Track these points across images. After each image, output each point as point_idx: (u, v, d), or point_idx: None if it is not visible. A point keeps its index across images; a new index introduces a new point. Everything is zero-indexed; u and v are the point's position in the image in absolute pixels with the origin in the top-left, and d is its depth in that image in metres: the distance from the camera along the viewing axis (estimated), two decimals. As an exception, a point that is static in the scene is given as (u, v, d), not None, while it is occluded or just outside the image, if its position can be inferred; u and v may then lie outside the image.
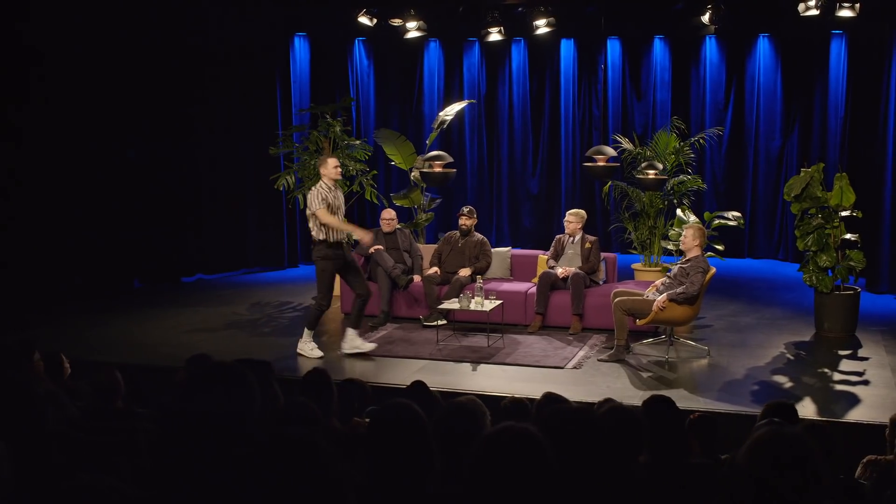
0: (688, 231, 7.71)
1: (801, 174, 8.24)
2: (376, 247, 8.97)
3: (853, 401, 6.57)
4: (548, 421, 2.71)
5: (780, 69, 11.83)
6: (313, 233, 7.61)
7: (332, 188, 7.63)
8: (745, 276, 11.24)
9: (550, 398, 3.83)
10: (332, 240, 7.55)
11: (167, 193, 10.87)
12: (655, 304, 7.39)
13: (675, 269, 7.71)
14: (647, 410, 3.61)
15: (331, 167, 7.64)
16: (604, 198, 10.20)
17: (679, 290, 7.41)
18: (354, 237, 8.38)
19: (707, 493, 2.67)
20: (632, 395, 6.60)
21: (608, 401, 3.48)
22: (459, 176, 11.68)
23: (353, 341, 7.75)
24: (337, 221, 7.56)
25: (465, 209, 9.27)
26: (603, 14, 10.78)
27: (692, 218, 9.14)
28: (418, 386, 4.07)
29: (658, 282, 7.79)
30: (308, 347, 7.75)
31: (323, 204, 7.49)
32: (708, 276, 7.53)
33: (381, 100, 12.72)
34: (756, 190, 12.02)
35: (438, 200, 10.95)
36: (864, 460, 4.21)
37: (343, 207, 7.76)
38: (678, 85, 12.16)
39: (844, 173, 8.26)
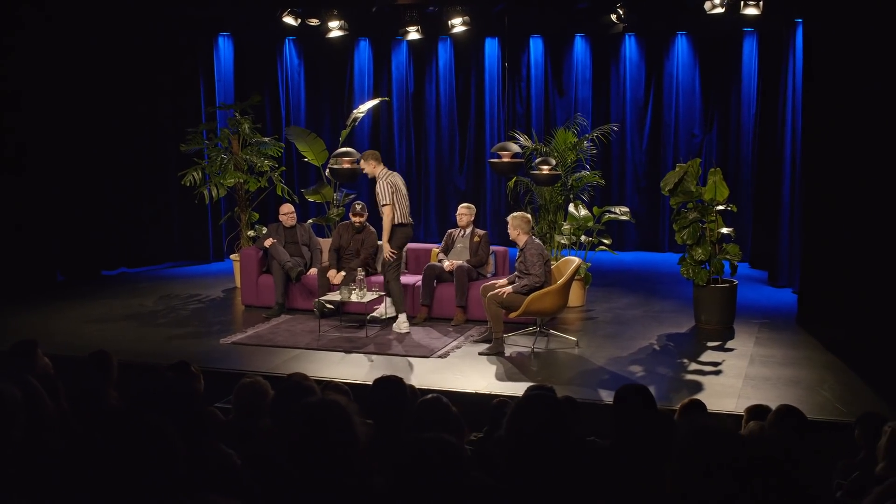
0: (510, 222, 7.89)
1: (676, 169, 8.41)
2: (271, 240, 9.21)
3: (695, 389, 6.73)
4: None
5: (698, 66, 12.00)
6: None
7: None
8: (658, 270, 11.39)
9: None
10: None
11: (93, 188, 11.15)
12: (499, 292, 7.61)
13: (517, 263, 7.90)
14: None
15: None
16: (508, 193, 10.40)
17: (524, 281, 7.62)
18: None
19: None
20: (482, 385, 6.82)
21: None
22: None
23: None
24: (388, 222, 8.26)
25: (358, 206, 9.32)
26: (507, 14, 10.94)
27: (583, 212, 9.32)
28: (181, 365, 4.33)
29: (506, 280, 8.01)
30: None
31: (389, 197, 8.23)
32: (550, 261, 7.82)
33: (312, 98, 12.93)
34: (676, 186, 12.12)
35: (353, 196, 11.15)
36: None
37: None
38: (599, 82, 12.34)
39: (718, 168, 8.41)
